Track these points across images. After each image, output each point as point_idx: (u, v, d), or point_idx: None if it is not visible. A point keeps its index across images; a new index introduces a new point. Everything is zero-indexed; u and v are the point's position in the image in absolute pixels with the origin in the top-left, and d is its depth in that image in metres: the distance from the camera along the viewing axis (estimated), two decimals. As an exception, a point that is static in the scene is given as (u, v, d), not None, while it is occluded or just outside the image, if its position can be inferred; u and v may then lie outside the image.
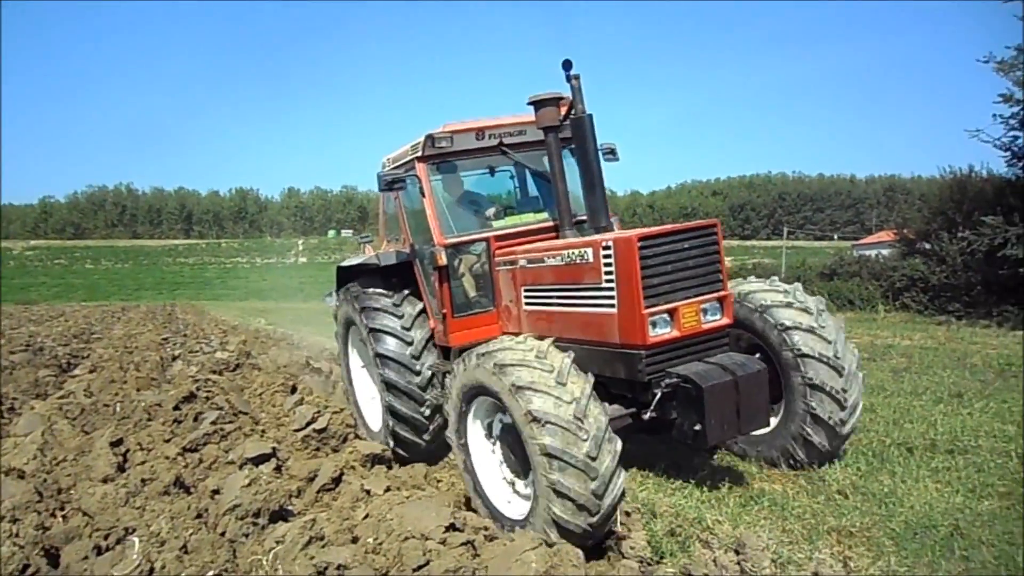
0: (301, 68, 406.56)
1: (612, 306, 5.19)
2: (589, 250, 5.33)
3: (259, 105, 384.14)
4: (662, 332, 5.13)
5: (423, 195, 6.48)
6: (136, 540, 4.45)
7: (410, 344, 6.71)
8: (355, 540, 4.21)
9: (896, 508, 4.97)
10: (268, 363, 12.65)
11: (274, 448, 6.14)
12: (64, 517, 4.99)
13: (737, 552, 4.45)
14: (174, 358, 14.24)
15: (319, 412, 7.25)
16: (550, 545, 4.06)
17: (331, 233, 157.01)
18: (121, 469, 6.04)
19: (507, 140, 6.84)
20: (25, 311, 40.61)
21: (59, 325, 26.87)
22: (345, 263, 8.10)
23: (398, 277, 7.17)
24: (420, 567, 3.76)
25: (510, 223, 6.78)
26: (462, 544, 3.97)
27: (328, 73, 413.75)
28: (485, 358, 4.86)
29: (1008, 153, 17.34)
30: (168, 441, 6.68)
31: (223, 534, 4.51)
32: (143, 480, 5.56)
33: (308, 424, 7.05)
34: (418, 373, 6.65)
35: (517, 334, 5.61)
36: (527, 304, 6.06)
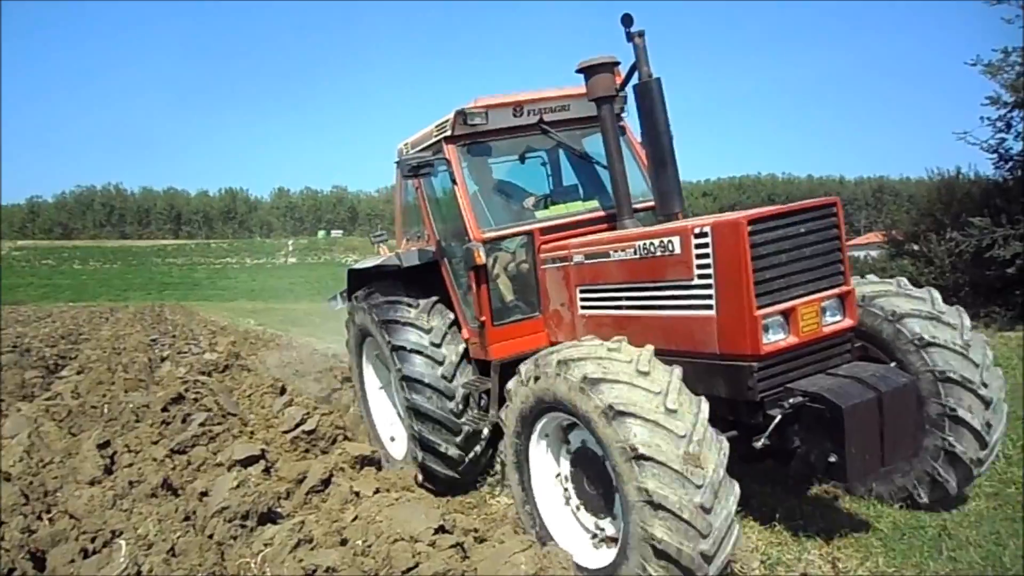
0: (291, 68, 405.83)
1: (709, 307, 4.24)
2: (676, 239, 4.38)
3: (249, 105, 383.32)
4: (777, 339, 4.17)
5: (454, 182, 5.66)
6: (123, 543, 4.42)
7: (440, 363, 5.84)
8: (344, 542, 4.20)
9: (884, 509, 4.99)
10: (258, 364, 12.61)
11: (263, 450, 6.12)
12: (50, 520, 4.96)
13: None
14: (162, 359, 14.17)
15: (308, 413, 7.22)
16: (540, 546, 4.06)
17: (321, 233, 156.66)
18: (108, 471, 6.01)
19: (548, 117, 5.98)
20: (12, 312, 40.30)
21: (46, 326, 26.71)
22: (359, 265, 7.19)
23: (421, 280, 6.34)
24: (409, 569, 3.75)
25: (555, 214, 5.93)
26: (451, 546, 3.97)
27: (318, 73, 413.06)
28: (568, 368, 3.96)
29: (995, 155, 17.45)
30: (156, 443, 6.65)
31: (211, 536, 4.49)
32: (131, 482, 5.53)
33: (297, 426, 7.03)
34: (451, 397, 5.78)
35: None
36: (584, 307, 5.22)
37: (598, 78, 5.40)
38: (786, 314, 4.20)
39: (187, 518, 4.80)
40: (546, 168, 6.59)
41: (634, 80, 5.21)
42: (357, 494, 5.24)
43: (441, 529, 4.15)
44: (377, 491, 5.37)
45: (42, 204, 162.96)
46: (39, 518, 4.95)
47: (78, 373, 12.10)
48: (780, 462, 4.42)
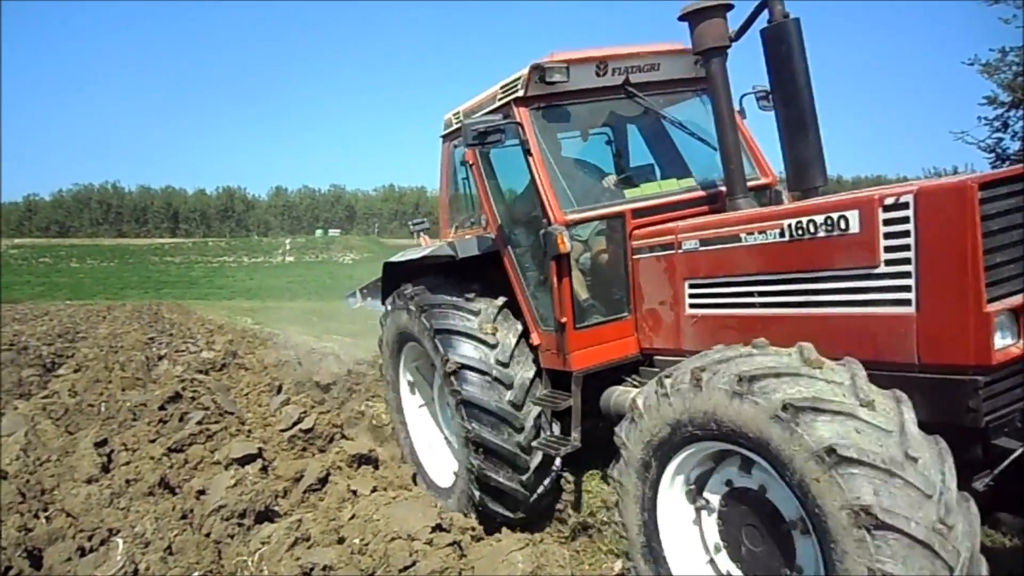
0: (289, 67, 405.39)
1: (904, 303, 3.27)
2: (853, 214, 3.43)
3: (246, 103, 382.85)
4: (1009, 344, 3.12)
5: (528, 152, 4.68)
6: (120, 541, 4.42)
7: (509, 387, 4.89)
8: (341, 541, 4.21)
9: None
10: (255, 363, 12.59)
11: (260, 448, 6.12)
12: (47, 518, 4.96)
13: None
14: (160, 358, 14.15)
15: (305, 412, 7.23)
16: (537, 545, 4.07)
17: (319, 232, 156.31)
18: (105, 470, 6.01)
19: (635, 78, 5.03)
20: (9, 310, 40.24)
21: (43, 324, 26.65)
22: (398, 258, 6.17)
23: (473, 274, 5.47)
24: (406, 568, 3.76)
25: (647, 193, 4.96)
26: (448, 545, 3.98)
27: (316, 72, 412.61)
28: (753, 387, 2.98)
29: (992, 155, 17.46)
30: (153, 441, 6.65)
31: (208, 535, 4.50)
32: (128, 481, 5.53)
33: (294, 424, 7.03)
34: (520, 428, 4.85)
35: (674, 351, 4.37)
36: (695, 306, 4.28)
37: (708, 24, 4.44)
38: (1017, 312, 3.15)
39: (184, 516, 4.80)
40: (626, 139, 5.72)
41: (753, 27, 4.34)
42: (354, 492, 5.25)
43: (438, 527, 4.16)
44: (374, 490, 5.38)
45: (39, 202, 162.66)
46: (36, 516, 4.94)
47: (75, 371, 12.09)
48: (1008, 509, 3.44)
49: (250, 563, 4.08)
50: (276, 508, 5.03)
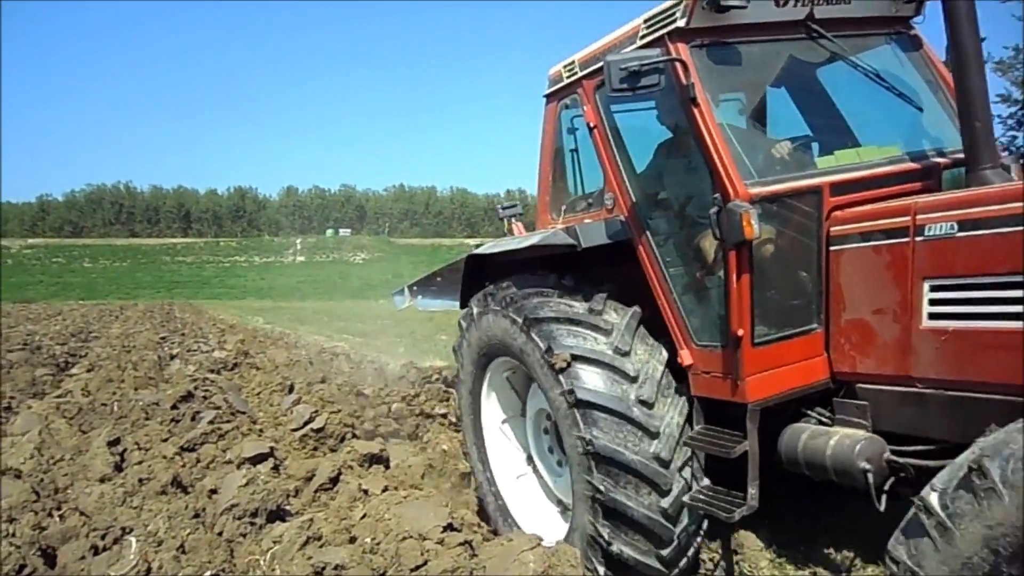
0: (300, 67, 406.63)
1: None
2: None
3: (258, 104, 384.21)
4: None
5: (693, 103, 3.57)
6: (133, 540, 4.44)
7: (655, 436, 3.81)
8: (353, 540, 4.21)
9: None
10: (266, 362, 12.64)
11: (272, 448, 6.13)
12: (61, 517, 4.98)
13: (736, 552, 4.45)
14: (172, 357, 14.23)
15: (316, 412, 7.25)
16: (549, 545, 4.05)
17: (329, 232, 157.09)
18: (118, 469, 6.03)
19: (821, 13, 3.91)
20: (23, 309, 40.55)
21: (57, 324, 26.84)
22: (488, 249, 4.99)
23: (577, 268, 4.47)
24: (418, 567, 3.76)
25: (845, 162, 3.88)
26: (460, 544, 3.97)
27: (327, 72, 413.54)
28: None
29: (1006, 153, 17.36)
30: (166, 440, 6.67)
31: (220, 534, 4.51)
32: (140, 480, 5.55)
33: (306, 423, 7.05)
34: (667, 491, 3.81)
35: (895, 378, 3.38)
36: (939, 316, 3.19)
37: None
38: None
39: (196, 515, 4.82)
40: (808, 92, 4.55)
41: None
42: (366, 492, 5.25)
43: (450, 527, 4.15)
44: (386, 489, 5.38)
45: (52, 202, 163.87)
46: (50, 515, 4.97)
47: (88, 371, 12.16)
48: None
49: (262, 562, 4.09)
50: (288, 507, 5.05)
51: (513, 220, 6.01)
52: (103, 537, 4.53)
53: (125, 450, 6.47)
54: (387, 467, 6.26)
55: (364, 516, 4.48)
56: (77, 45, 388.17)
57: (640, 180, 4.31)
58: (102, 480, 5.72)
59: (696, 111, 3.62)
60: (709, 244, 3.76)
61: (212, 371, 11.13)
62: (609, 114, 4.31)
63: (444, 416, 8.09)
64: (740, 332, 3.55)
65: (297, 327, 25.98)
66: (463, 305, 5.26)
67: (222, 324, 26.64)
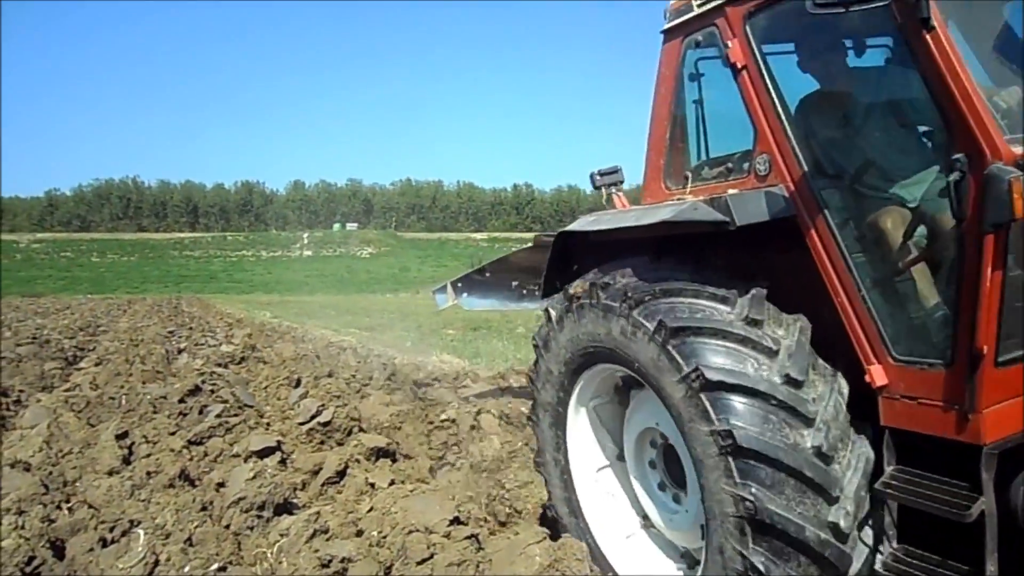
0: (307, 61, 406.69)
1: None
2: None
3: (265, 98, 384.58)
4: None
5: (926, 27, 2.65)
6: (141, 532, 4.45)
7: (835, 500, 2.93)
8: (359, 533, 4.22)
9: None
10: (273, 356, 12.67)
11: (279, 441, 6.15)
12: (70, 509, 5.00)
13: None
14: (180, 351, 14.28)
15: (323, 405, 7.25)
16: (554, 538, 4.06)
17: (336, 226, 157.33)
18: (126, 462, 6.06)
19: None
20: (31, 304, 40.76)
21: (65, 318, 26.96)
22: (586, 224, 4.09)
23: (694, 254, 3.61)
24: (424, 560, 3.76)
25: None
26: (466, 538, 3.97)
27: (334, 66, 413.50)
28: None
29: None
30: (173, 434, 6.69)
31: (228, 527, 4.53)
32: (148, 473, 5.57)
33: (313, 417, 7.05)
34: (845, 568, 2.94)
35: None
36: None
37: None
38: None
39: (204, 508, 4.83)
40: None
41: None
42: (372, 485, 5.26)
43: (456, 520, 4.16)
44: (392, 483, 5.39)
45: (60, 197, 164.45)
46: (58, 508, 4.99)
47: (96, 364, 12.21)
48: None
49: (269, 555, 4.10)
50: (295, 500, 5.06)
51: (615, 191, 4.78)
52: (111, 530, 4.55)
53: (133, 443, 6.50)
54: (394, 460, 6.27)
55: (371, 509, 4.50)
56: (84, 40, 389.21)
57: (806, 140, 3.35)
58: (110, 473, 5.75)
59: (931, 39, 2.69)
60: (936, 223, 2.90)
61: (219, 365, 11.15)
62: (761, 55, 3.40)
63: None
64: (983, 347, 2.59)
65: (304, 321, 26.02)
66: (547, 293, 4.52)
67: (229, 318, 26.71)
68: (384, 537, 4.05)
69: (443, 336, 19.88)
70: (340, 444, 6.73)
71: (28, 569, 4.03)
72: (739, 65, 3.50)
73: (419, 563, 3.75)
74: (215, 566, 4.14)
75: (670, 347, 3.15)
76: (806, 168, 3.27)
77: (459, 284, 6.73)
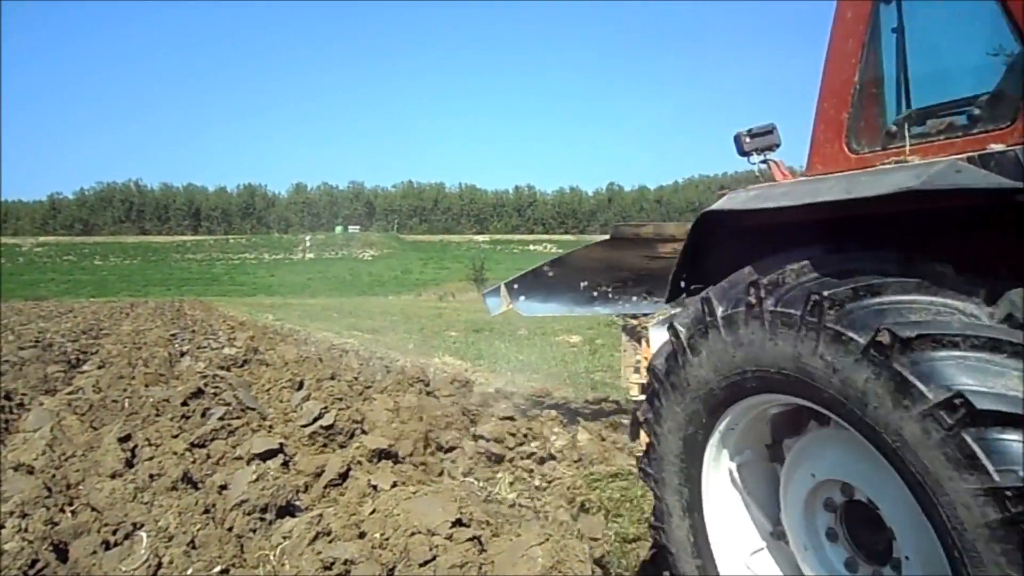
0: (308, 64, 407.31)
1: None
2: None
3: (267, 101, 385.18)
4: None
5: None
6: (144, 535, 4.46)
7: None
8: (362, 535, 4.22)
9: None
10: (276, 359, 12.68)
11: (281, 444, 6.16)
12: (73, 512, 5.01)
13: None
14: (182, 354, 14.29)
15: (326, 408, 7.26)
16: (557, 540, 4.06)
17: (338, 229, 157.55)
18: (129, 465, 6.06)
19: None
20: (34, 307, 40.82)
21: (68, 321, 27.01)
22: (735, 202, 3.10)
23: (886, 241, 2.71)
24: (426, 562, 3.77)
25: None
26: (468, 539, 3.98)
27: (335, 69, 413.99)
28: None
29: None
30: (176, 437, 6.70)
31: (230, 529, 4.53)
32: (151, 475, 5.58)
33: (315, 420, 7.06)
34: None
35: None
36: None
37: None
38: None
39: (207, 511, 4.84)
40: None
41: None
42: (375, 487, 5.26)
43: (458, 522, 4.16)
44: (394, 484, 5.39)
45: (63, 201, 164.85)
46: (61, 510, 5.00)
47: (99, 368, 12.23)
48: None
49: (272, 557, 4.11)
50: (297, 503, 5.06)
51: (772, 160, 3.91)
52: (114, 532, 4.56)
53: (136, 446, 6.50)
54: (396, 462, 6.28)
55: (373, 512, 4.50)
56: (87, 42, 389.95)
57: None
58: (113, 476, 5.75)
59: None
60: None
61: (222, 368, 11.15)
62: None
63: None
64: None
65: (307, 324, 26.06)
66: (674, 296, 3.54)
67: (232, 321, 26.74)
68: (386, 539, 4.05)
69: (445, 338, 19.92)
70: (342, 446, 6.74)
71: (31, 572, 4.04)
72: None
73: (421, 565, 3.76)
74: (218, 568, 4.14)
75: (900, 365, 2.17)
76: None
77: (515, 286, 5.70)
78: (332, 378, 9.93)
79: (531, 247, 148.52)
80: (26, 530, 4.46)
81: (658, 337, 3.77)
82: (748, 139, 3.81)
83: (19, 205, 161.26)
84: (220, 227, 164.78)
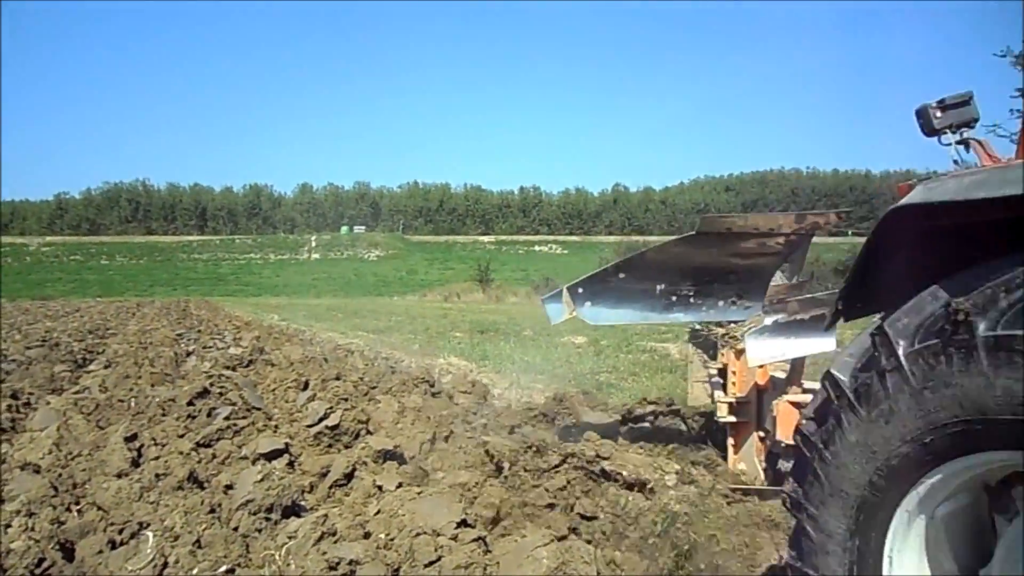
0: (314, 64, 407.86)
1: None
2: None
3: (273, 101, 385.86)
4: None
5: None
6: (150, 535, 4.47)
7: None
8: (367, 536, 4.22)
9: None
10: (281, 359, 12.69)
11: (287, 444, 6.16)
12: (79, 511, 5.02)
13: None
14: (188, 354, 14.33)
15: (331, 408, 7.26)
16: (562, 541, 4.06)
17: (344, 229, 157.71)
18: (135, 464, 6.08)
19: None
20: (41, 307, 40.95)
21: (75, 321, 27.07)
22: (936, 193, 2.26)
23: None
24: (431, 563, 3.77)
25: None
26: (473, 540, 3.98)
27: (342, 69, 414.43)
28: None
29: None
30: (182, 436, 6.71)
31: (236, 529, 4.54)
32: (157, 475, 5.59)
33: (321, 420, 7.06)
34: None
35: None
36: None
37: None
38: None
39: (212, 510, 4.84)
40: None
41: None
42: (380, 488, 5.26)
43: (463, 523, 4.16)
44: (400, 485, 5.39)
45: (70, 200, 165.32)
46: (68, 510, 5.02)
47: (106, 367, 12.27)
48: None
49: (277, 557, 4.11)
50: (303, 503, 5.06)
51: (973, 139, 3.19)
52: (120, 532, 4.57)
53: (142, 446, 6.51)
54: (401, 463, 6.27)
55: (378, 512, 4.50)
56: (93, 44, 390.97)
57: None
58: (119, 475, 5.76)
59: None
60: None
61: (228, 367, 11.17)
62: None
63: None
64: None
65: (312, 324, 26.08)
66: (846, 317, 2.69)
67: (238, 321, 26.77)
68: (392, 539, 4.05)
69: (450, 339, 19.91)
70: (348, 447, 6.74)
71: (38, 571, 4.05)
72: None
73: (427, 565, 3.76)
74: (223, 568, 4.15)
75: None
76: None
77: (580, 290, 4.91)
78: (337, 378, 9.94)
79: (536, 248, 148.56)
80: (32, 529, 4.48)
81: (755, 348, 3.67)
82: (939, 113, 3.10)
83: (26, 205, 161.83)
84: (226, 227, 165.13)
